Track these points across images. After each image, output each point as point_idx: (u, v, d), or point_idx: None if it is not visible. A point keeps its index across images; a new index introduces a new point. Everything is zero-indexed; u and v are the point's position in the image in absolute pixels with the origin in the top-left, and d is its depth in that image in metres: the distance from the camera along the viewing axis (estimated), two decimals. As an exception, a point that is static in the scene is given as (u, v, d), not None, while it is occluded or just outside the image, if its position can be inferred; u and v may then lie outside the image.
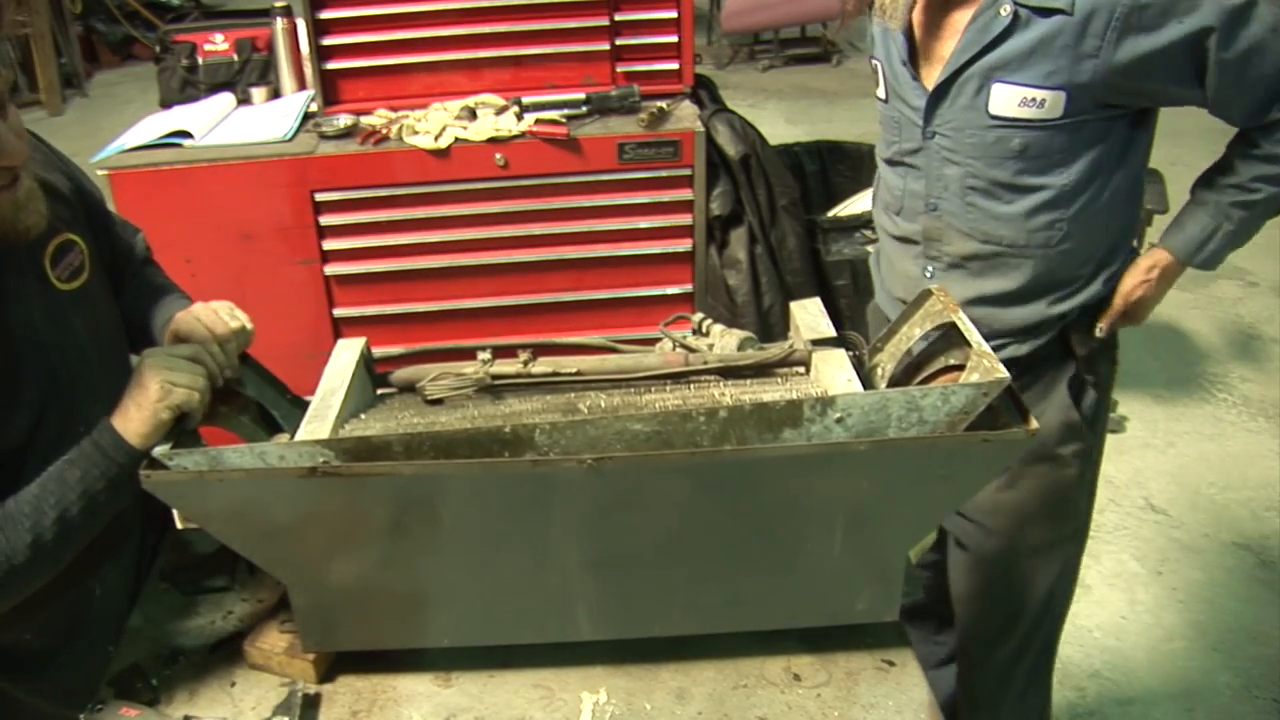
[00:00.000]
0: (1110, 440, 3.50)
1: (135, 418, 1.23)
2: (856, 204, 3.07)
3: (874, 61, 1.76)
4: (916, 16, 1.64)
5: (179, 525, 1.63)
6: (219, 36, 3.21)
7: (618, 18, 2.88)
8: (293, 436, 1.35)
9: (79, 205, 1.41)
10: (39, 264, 1.29)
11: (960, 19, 1.57)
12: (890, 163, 1.76)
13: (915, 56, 1.65)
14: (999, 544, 1.85)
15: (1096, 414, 1.79)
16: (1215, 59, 1.47)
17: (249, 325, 1.38)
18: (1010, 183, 1.58)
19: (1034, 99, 1.51)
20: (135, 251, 1.58)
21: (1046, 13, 1.48)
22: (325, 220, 2.77)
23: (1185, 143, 3.59)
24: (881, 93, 1.75)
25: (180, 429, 1.25)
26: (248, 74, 3.20)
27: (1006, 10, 1.51)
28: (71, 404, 1.32)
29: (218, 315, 1.36)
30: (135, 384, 1.25)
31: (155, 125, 2.87)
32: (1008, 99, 1.53)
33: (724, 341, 1.50)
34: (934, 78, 1.60)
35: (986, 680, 2.02)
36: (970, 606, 1.96)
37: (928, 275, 1.73)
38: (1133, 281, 1.68)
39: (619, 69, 2.94)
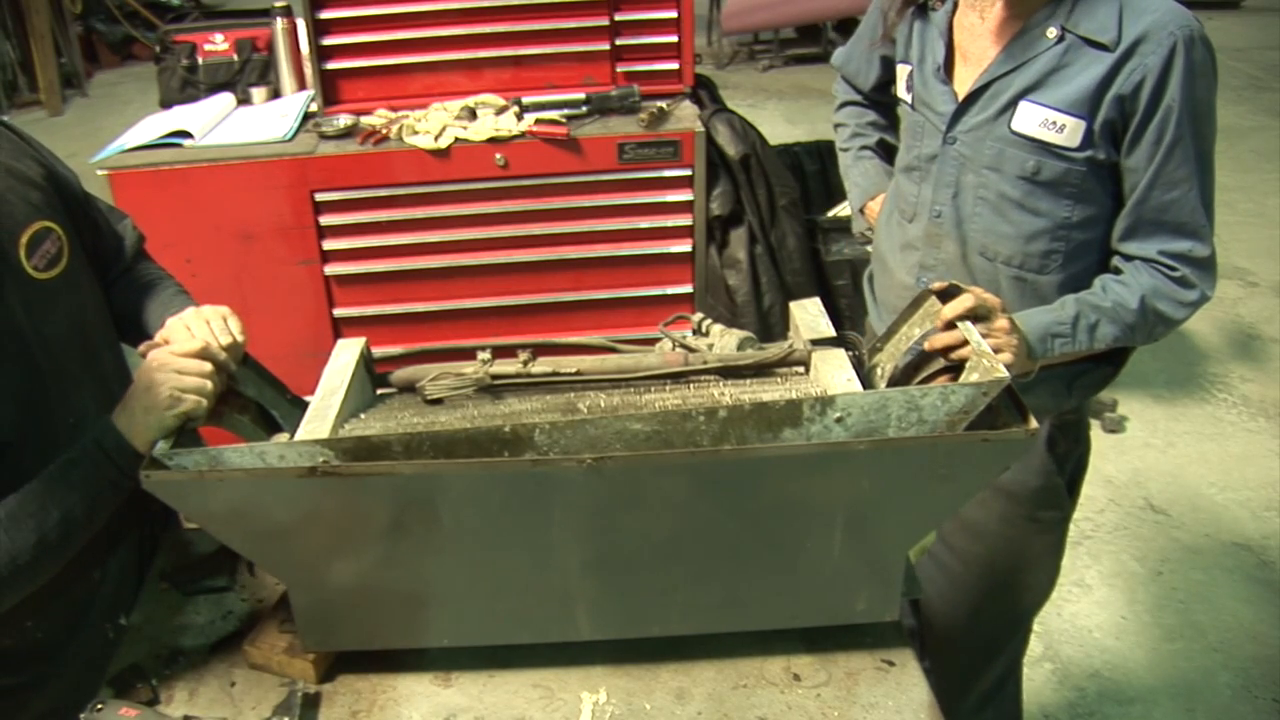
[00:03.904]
0: (1110, 440, 3.52)
1: (141, 422, 1.22)
2: (856, 204, 3.07)
3: (903, 65, 1.76)
4: (959, 24, 1.65)
5: (184, 524, 1.63)
6: (219, 36, 3.21)
7: (618, 18, 2.88)
8: (293, 436, 1.35)
9: (53, 191, 1.39)
10: (12, 255, 1.28)
11: (1005, 33, 1.58)
12: (906, 169, 1.77)
13: (950, 64, 1.66)
14: (969, 576, 1.86)
15: (1075, 479, 1.80)
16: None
17: (240, 338, 1.35)
18: (1019, 201, 1.59)
19: (1055, 122, 1.52)
20: (125, 241, 1.56)
21: (1091, 43, 1.50)
22: (325, 220, 2.77)
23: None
24: (907, 97, 1.75)
25: (182, 429, 1.25)
26: (248, 74, 3.20)
27: (1053, 32, 1.52)
28: (56, 395, 1.32)
29: (210, 328, 1.33)
30: (142, 386, 1.24)
31: (155, 125, 2.87)
32: (1031, 117, 1.54)
33: (724, 341, 1.50)
34: (967, 85, 1.62)
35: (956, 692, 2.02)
36: (941, 620, 1.96)
37: (921, 285, 1.73)
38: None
39: (619, 69, 2.94)
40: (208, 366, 1.27)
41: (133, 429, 1.22)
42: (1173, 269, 1.54)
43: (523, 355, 1.45)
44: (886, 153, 2.01)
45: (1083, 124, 1.51)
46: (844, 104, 2.07)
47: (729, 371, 1.42)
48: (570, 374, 1.44)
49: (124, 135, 2.86)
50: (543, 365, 1.44)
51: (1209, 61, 1.48)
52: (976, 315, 1.39)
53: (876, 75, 1.94)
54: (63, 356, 1.33)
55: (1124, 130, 1.51)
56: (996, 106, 1.58)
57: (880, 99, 2.01)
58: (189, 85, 3.22)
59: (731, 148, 2.86)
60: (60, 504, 1.20)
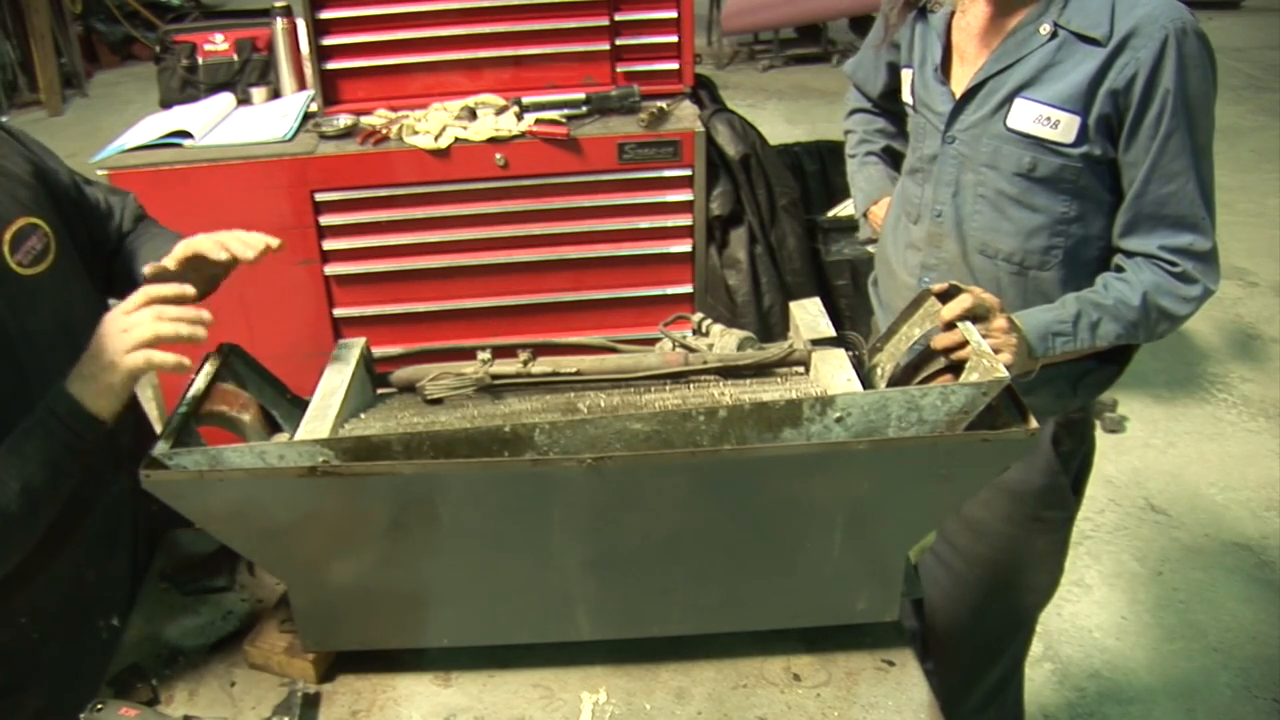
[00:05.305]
0: (1110, 440, 3.53)
1: (92, 386, 1.21)
2: (856, 204, 3.07)
3: (906, 70, 1.77)
4: (956, 25, 1.66)
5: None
6: (219, 36, 3.21)
7: (618, 18, 2.88)
8: (293, 436, 1.35)
9: (41, 189, 1.39)
10: None
11: (992, 30, 1.59)
12: (911, 172, 1.78)
13: (948, 65, 1.67)
14: (974, 570, 1.86)
15: (1080, 478, 1.80)
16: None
17: (240, 251, 1.38)
18: (1016, 198, 1.60)
19: (1049, 119, 1.53)
20: (124, 210, 1.55)
21: (1083, 39, 1.51)
22: (325, 220, 2.77)
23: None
24: (910, 100, 1.76)
25: (185, 418, 1.25)
26: (248, 74, 3.20)
27: (1046, 29, 1.53)
28: (40, 392, 1.31)
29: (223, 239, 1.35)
30: (93, 351, 1.23)
31: (155, 125, 2.87)
32: (1026, 114, 1.55)
33: (724, 341, 1.50)
34: (963, 85, 1.63)
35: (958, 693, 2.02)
36: (944, 620, 1.96)
37: (923, 285, 1.73)
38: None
39: (619, 69, 2.94)
40: (151, 316, 1.22)
41: (84, 393, 1.21)
42: (1174, 264, 1.54)
43: (523, 355, 1.45)
44: (893, 159, 2.02)
45: (1077, 119, 1.52)
46: (853, 111, 2.08)
47: (729, 371, 1.42)
48: (570, 374, 1.44)
49: (124, 135, 2.86)
50: (543, 365, 1.44)
51: (1203, 53, 1.48)
52: (975, 315, 1.39)
53: (884, 81, 1.95)
54: (48, 353, 1.33)
55: (1119, 126, 1.51)
56: (992, 104, 1.59)
57: (888, 106, 2.02)
58: (189, 85, 3.22)
59: (731, 148, 2.86)
60: (18, 475, 1.19)
